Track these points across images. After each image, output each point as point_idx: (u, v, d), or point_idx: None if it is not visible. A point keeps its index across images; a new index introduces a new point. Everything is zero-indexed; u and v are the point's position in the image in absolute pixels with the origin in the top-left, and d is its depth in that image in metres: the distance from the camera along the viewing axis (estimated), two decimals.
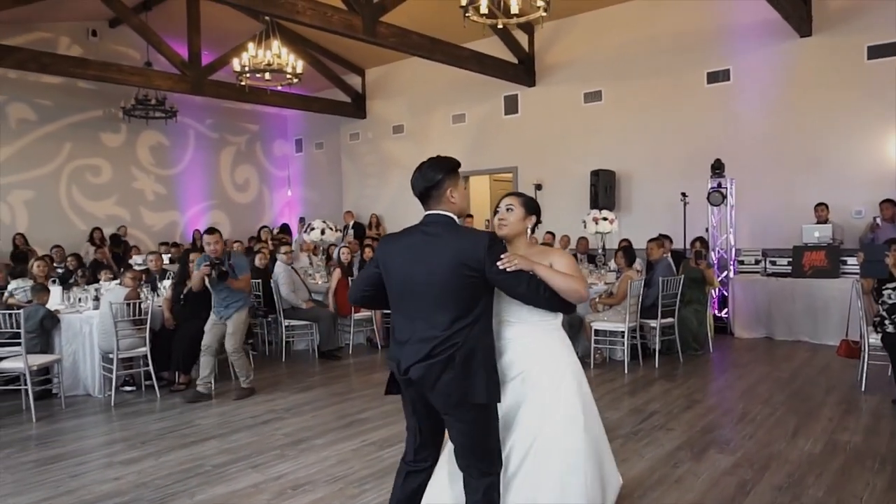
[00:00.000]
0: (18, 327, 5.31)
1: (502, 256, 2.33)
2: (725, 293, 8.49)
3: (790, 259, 7.99)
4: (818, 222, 8.01)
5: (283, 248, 7.79)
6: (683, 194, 8.70)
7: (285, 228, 14.25)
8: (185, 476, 4.05)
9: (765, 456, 4.13)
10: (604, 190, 9.71)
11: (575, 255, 9.21)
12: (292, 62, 9.39)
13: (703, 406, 5.31)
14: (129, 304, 5.83)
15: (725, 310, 8.44)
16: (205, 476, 4.04)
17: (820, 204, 8.05)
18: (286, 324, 7.57)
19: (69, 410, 5.66)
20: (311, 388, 6.26)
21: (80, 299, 6.56)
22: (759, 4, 7.68)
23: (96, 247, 11.77)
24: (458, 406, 2.37)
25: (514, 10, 6.74)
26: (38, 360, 5.67)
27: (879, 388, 5.51)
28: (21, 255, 8.29)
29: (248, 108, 14.61)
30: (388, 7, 8.48)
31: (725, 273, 8.67)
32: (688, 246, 8.20)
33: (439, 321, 2.36)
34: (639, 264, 7.68)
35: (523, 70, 10.85)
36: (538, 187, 10.97)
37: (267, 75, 9.63)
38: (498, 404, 2.47)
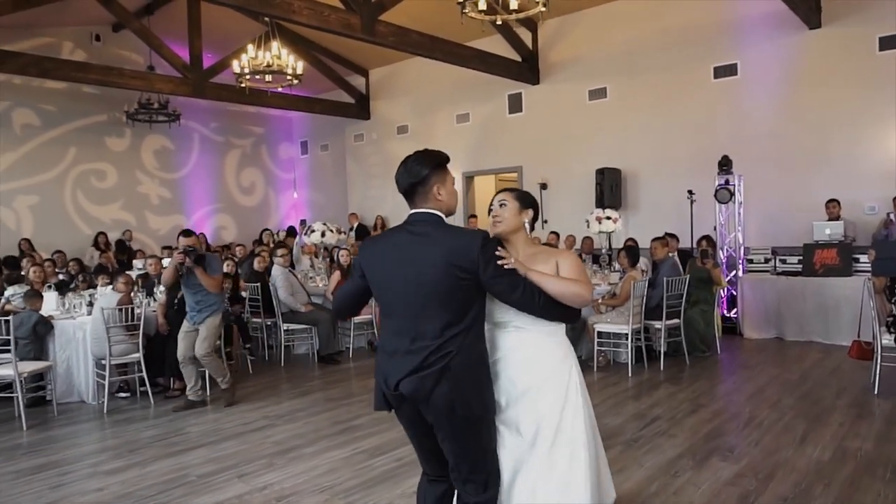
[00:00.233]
0: (9, 334, 5.24)
1: (500, 252, 2.19)
2: (734, 293, 8.27)
3: (801, 257, 7.75)
4: (830, 219, 7.78)
5: (280, 251, 7.68)
6: (690, 192, 8.50)
7: (291, 231, 14.16)
8: (168, 486, 3.94)
9: (770, 464, 3.95)
10: (609, 188, 9.53)
11: (580, 256, 9.03)
12: (292, 63, 9.29)
13: (709, 410, 5.13)
14: (121, 310, 5.74)
15: (734, 310, 8.22)
16: (189, 486, 3.93)
17: (831, 200, 7.82)
18: (285, 328, 7.46)
19: (61, 417, 5.58)
20: (307, 394, 6.14)
21: (75, 305, 6.48)
22: None
23: (101, 251, 11.76)
24: (453, 420, 2.20)
25: (514, 5, 6.62)
26: (29, 366, 5.60)
27: (893, 392, 5.30)
28: (13, 261, 8.23)
29: (252, 110, 14.56)
30: (387, 6, 8.36)
31: (734, 272, 8.46)
32: (695, 245, 7.99)
33: (430, 329, 2.19)
34: (644, 264, 7.48)
35: (527, 68, 10.69)
36: (543, 186, 10.80)
37: (268, 77, 9.55)
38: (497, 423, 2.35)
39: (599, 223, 7.53)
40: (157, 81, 10.82)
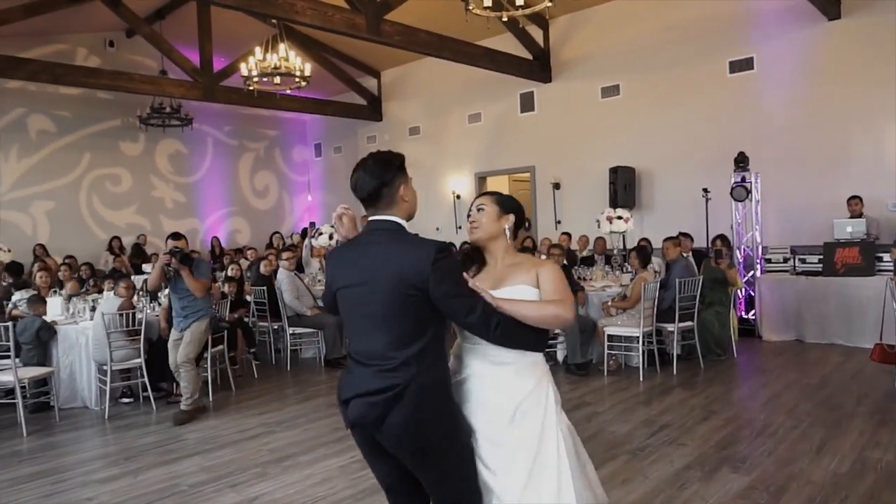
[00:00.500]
0: (9, 340, 5.21)
1: (469, 280, 2.00)
2: (752, 293, 8.02)
3: (821, 256, 7.48)
4: (851, 216, 7.50)
5: (285, 255, 7.60)
6: (705, 190, 8.27)
7: (305, 233, 14.13)
8: (159, 496, 3.85)
9: (784, 476, 3.74)
10: (623, 187, 9.32)
11: (591, 257, 8.85)
12: (299, 65, 9.22)
13: (721, 417, 4.92)
14: (122, 315, 5.68)
15: (752, 311, 7.97)
16: (179, 497, 3.84)
17: (853, 197, 7.54)
18: (291, 331, 7.38)
19: (63, 423, 5.54)
20: (309, 399, 6.04)
21: (79, 310, 6.46)
22: None
23: (115, 255, 11.82)
24: (414, 453, 2.00)
25: (520, 0, 6.47)
26: (30, 372, 5.57)
27: None
28: (18, 267, 8.26)
29: (266, 114, 14.55)
30: (393, 5, 8.25)
31: (751, 272, 8.20)
32: (710, 244, 7.76)
33: (382, 347, 2.00)
34: (657, 265, 7.28)
35: (538, 66, 10.51)
36: (556, 186, 10.62)
37: (276, 79, 9.50)
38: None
39: (610, 223, 7.33)
40: (167, 86, 10.83)
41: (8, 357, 5.47)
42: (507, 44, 10.18)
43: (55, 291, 7.01)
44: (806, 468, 3.83)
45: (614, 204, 9.01)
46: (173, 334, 5.49)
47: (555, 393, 2.19)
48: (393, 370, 1.96)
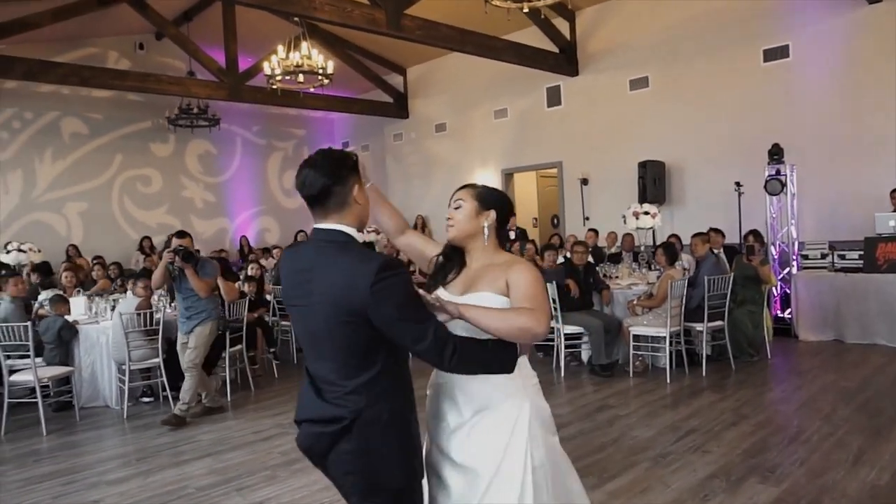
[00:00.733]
0: (27, 339, 5.24)
1: (427, 297, 1.79)
2: (788, 291, 7.67)
3: (861, 252, 7.12)
4: (894, 210, 7.11)
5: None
6: (738, 184, 7.95)
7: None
8: (165, 500, 3.80)
9: (817, 487, 3.51)
10: (652, 182, 9.03)
11: (619, 254, 8.60)
12: (321, 62, 9.18)
13: (751, 422, 4.67)
14: (140, 315, 5.68)
15: (788, 310, 7.63)
16: (186, 500, 3.78)
17: None
18: None
19: (83, 423, 5.57)
20: None
21: (102, 309, 6.50)
22: None
23: (146, 255, 11.96)
24: (363, 493, 1.80)
25: None
26: (51, 371, 5.62)
27: None
28: (45, 267, 8.39)
29: (294, 113, 14.59)
30: None
31: (787, 269, 7.85)
32: (742, 240, 7.45)
33: (329, 372, 1.80)
34: (686, 262, 7.02)
35: (565, 59, 10.27)
36: (584, 182, 10.38)
37: (299, 77, 9.47)
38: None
39: (637, 219, 7.10)
40: (193, 86, 10.91)
41: (29, 357, 5.56)
42: (532, 37, 9.98)
43: (79, 291, 7.07)
44: (841, 480, 3.59)
45: (643, 199, 8.74)
46: (180, 337, 5.46)
47: (536, 412, 1.94)
48: (341, 398, 1.77)
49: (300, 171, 1.82)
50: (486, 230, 2.01)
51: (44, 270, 8.09)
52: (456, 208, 2.03)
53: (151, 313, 5.78)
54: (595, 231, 9.29)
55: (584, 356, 6.70)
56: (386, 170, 14.21)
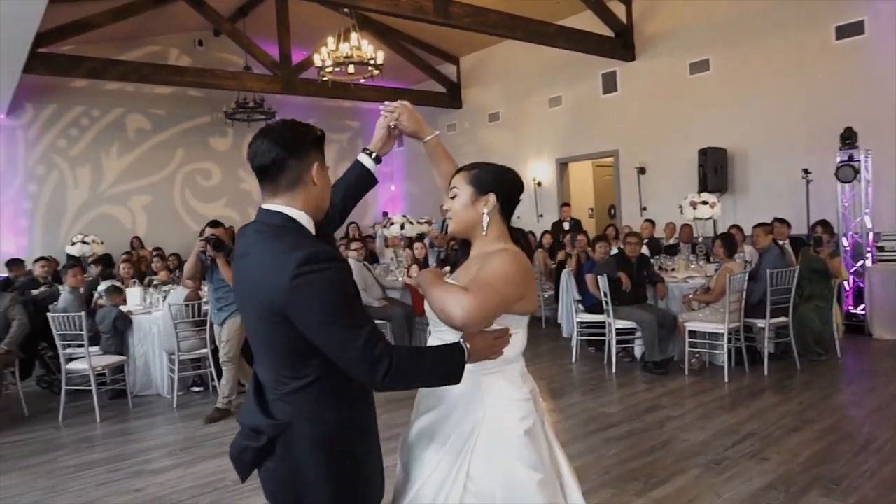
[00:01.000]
0: (82, 329, 5.39)
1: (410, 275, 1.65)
2: (861, 285, 7.16)
3: None
4: None
5: (354, 245, 7.53)
6: (806, 171, 7.46)
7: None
8: (201, 491, 3.82)
9: (888, 503, 3.20)
10: (713, 170, 8.60)
11: (677, 245, 8.23)
12: (371, 53, 9.13)
13: (816, 428, 4.34)
14: (188, 306, 5.77)
15: (861, 306, 7.12)
16: (220, 493, 3.78)
17: None
18: None
19: (135, 411, 5.71)
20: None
21: (155, 300, 6.65)
22: None
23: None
24: None
25: None
26: (104, 360, 5.78)
27: None
28: (107, 258, 8.69)
29: (348, 105, 14.67)
30: None
31: (861, 262, 7.32)
32: (810, 231, 6.99)
33: (266, 379, 1.59)
34: (748, 254, 6.64)
35: (621, 44, 9.90)
36: (641, 171, 10.00)
37: (350, 69, 9.47)
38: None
39: (695, 209, 6.75)
40: (248, 80, 11.08)
41: (92, 345, 5.74)
42: (587, 22, 9.66)
43: (135, 282, 7.27)
44: None
45: (703, 188, 8.34)
46: (214, 328, 5.50)
47: (496, 433, 1.69)
48: (273, 407, 1.56)
49: (254, 139, 1.59)
50: (484, 218, 1.77)
51: (105, 262, 8.36)
52: (452, 198, 1.82)
53: (200, 304, 5.86)
54: (651, 222, 8.94)
55: (638, 352, 6.44)
56: None
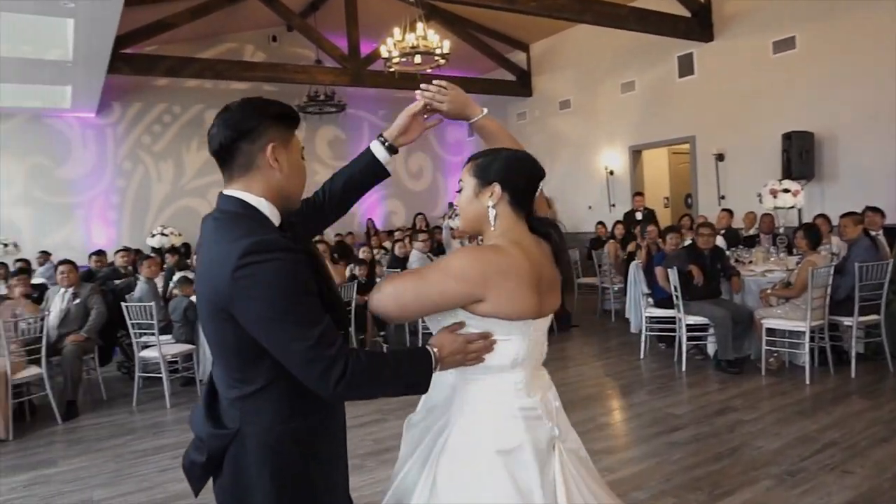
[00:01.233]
0: (152, 318, 5.60)
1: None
2: None
3: None
4: None
5: (421, 236, 7.51)
6: None
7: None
8: None
9: None
10: (798, 156, 8.02)
11: (756, 236, 7.74)
12: (437, 42, 9.05)
13: None
14: None
15: None
16: None
17: None
18: None
19: None
20: None
21: None
22: None
23: None
24: None
25: None
26: (174, 349, 5.98)
27: None
28: (185, 250, 9.02)
29: (417, 95, 14.66)
30: None
31: None
32: None
33: (219, 381, 1.47)
34: (835, 246, 6.16)
35: (698, 23, 9.37)
36: (719, 157, 9.47)
37: (417, 59, 9.42)
38: None
39: (775, 197, 6.30)
40: (318, 74, 11.24)
41: (164, 333, 5.97)
42: (661, 2, 9.19)
43: None
44: None
45: (787, 175, 7.79)
46: None
47: (468, 448, 1.56)
48: (222, 413, 1.45)
49: (214, 120, 1.49)
50: (490, 211, 1.60)
51: (181, 253, 8.70)
52: (458, 191, 1.69)
53: None
54: (729, 211, 8.46)
55: (711, 350, 6.10)
56: None
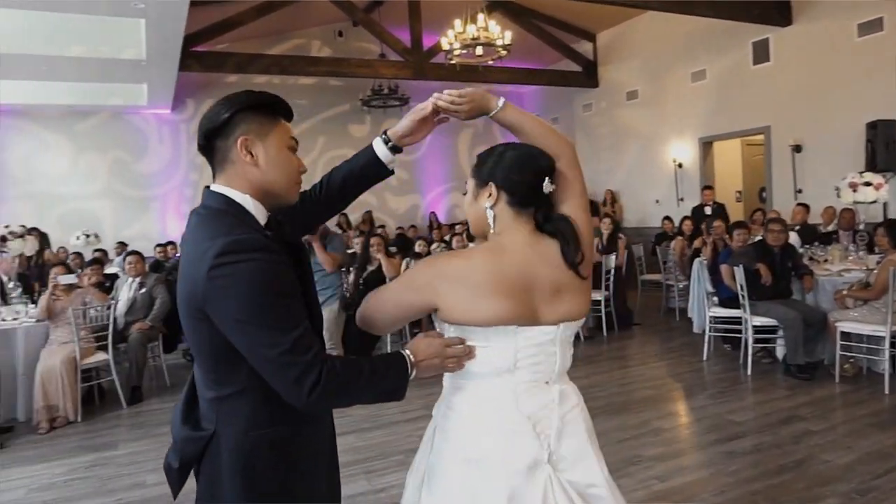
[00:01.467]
0: None
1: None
2: None
3: None
4: None
5: (458, 228, 7.43)
6: None
7: None
8: None
9: None
10: (884, 146, 7.44)
11: (835, 232, 7.24)
12: (498, 34, 8.93)
13: None
14: None
15: None
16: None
17: None
18: None
19: None
20: None
21: None
22: None
23: (342, 230, 12.82)
24: None
25: None
26: None
27: None
28: None
29: (484, 88, 14.56)
30: None
31: None
32: None
33: (199, 382, 1.44)
34: None
35: (774, 7, 8.85)
36: (796, 149, 8.93)
37: (478, 50, 9.33)
38: None
39: (854, 191, 5.86)
40: (381, 67, 11.31)
41: None
42: None
43: None
44: None
45: (872, 167, 7.26)
46: None
47: (448, 449, 1.54)
48: (203, 417, 1.40)
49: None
50: (488, 213, 1.53)
51: None
52: (464, 194, 1.63)
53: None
54: (806, 206, 7.96)
55: (780, 353, 5.76)
56: (575, 143, 13.57)
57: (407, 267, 7.25)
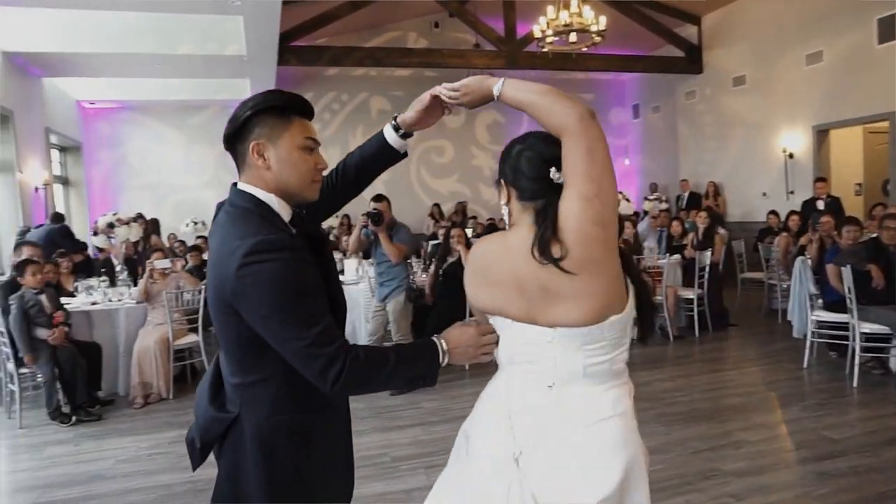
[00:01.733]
0: None
1: None
2: None
3: None
4: None
5: None
6: None
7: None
8: (359, 465, 3.92)
9: None
10: None
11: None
12: (592, 19, 8.61)
13: None
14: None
15: None
16: (375, 468, 3.87)
17: None
18: None
19: None
20: None
21: (366, 271, 7.06)
22: None
23: (435, 221, 12.90)
24: None
25: None
26: None
27: None
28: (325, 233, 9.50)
29: (582, 77, 14.16)
30: None
31: None
32: None
33: (225, 369, 1.53)
34: None
35: None
36: None
37: (572, 37, 9.05)
38: None
39: None
40: (473, 58, 11.23)
41: None
42: None
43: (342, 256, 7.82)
44: None
45: None
46: (374, 303, 5.62)
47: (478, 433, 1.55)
48: (229, 401, 1.49)
49: None
50: (503, 209, 1.54)
51: (336, 237, 9.17)
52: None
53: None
54: None
55: (894, 365, 5.20)
56: (677, 133, 12.96)
57: None
